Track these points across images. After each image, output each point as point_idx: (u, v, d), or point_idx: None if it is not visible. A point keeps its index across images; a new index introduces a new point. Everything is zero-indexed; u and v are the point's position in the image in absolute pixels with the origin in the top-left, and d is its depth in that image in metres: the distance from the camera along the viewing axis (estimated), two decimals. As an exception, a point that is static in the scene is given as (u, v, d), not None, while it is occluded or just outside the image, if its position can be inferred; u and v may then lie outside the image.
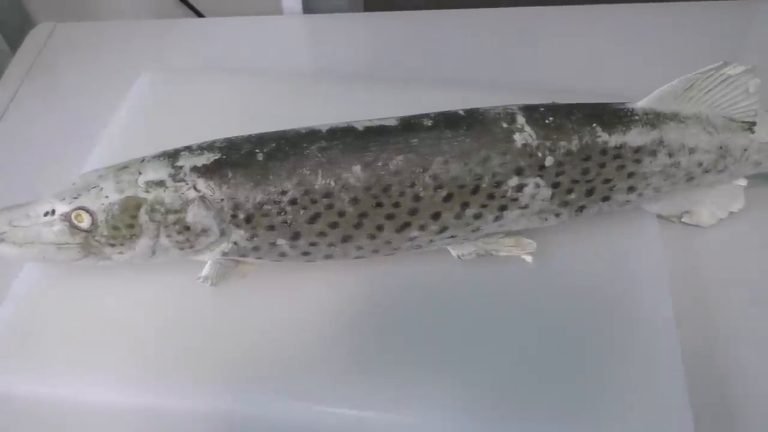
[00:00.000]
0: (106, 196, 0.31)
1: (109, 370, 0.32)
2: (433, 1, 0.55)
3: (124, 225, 0.31)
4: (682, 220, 0.37)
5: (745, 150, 0.34)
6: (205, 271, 0.34)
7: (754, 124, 0.34)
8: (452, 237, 0.34)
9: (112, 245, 0.31)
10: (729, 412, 0.31)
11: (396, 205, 0.32)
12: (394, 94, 0.44)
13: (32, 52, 0.55)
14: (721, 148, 0.33)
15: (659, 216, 0.37)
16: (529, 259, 0.35)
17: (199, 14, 0.59)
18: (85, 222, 0.31)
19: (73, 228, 0.31)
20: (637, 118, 0.33)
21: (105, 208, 0.31)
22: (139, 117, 0.45)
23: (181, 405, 0.32)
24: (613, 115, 0.33)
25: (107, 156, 0.39)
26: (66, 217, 0.31)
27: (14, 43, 0.57)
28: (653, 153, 0.33)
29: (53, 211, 0.31)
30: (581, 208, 0.34)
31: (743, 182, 0.36)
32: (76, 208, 0.31)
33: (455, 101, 0.35)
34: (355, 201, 0.31)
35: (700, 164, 0.34)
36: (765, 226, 0.38)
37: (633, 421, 0.30)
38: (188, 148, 0.32)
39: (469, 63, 0.51)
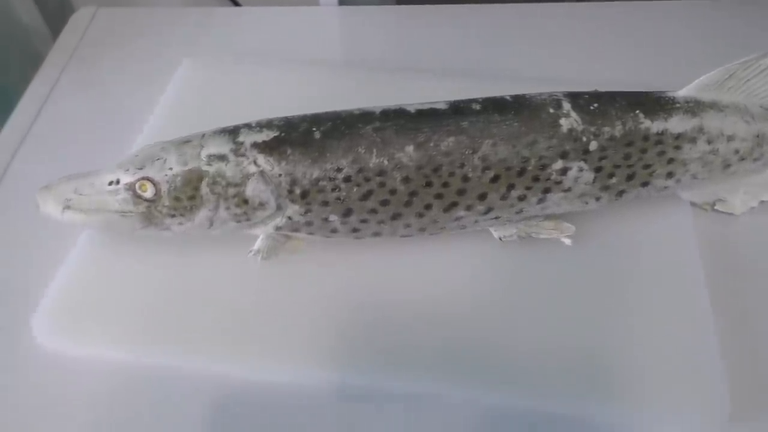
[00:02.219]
0: (170, 168, 0.32)
1: (157, 338, 0.34)
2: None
3: (186, 196, 0.32)
4: (715, 207, 0.39)
5: (781, 139, 0.35)
6: (258, 244, 0.35)
7: (790, 114, 0.35)
8: (496, 218, 0.35)
9: (173, 215, 0.33)
10: (766, 399, 0.32)
11: (445, 185, 0.33)
12: (425, 84, 0.46)
13: (74, 37, 0.56)
14: (758, 136, 0.35)
15: (693, 203, 0.39)
16: (568, 242, 0.36)
17: (236, 3, 0.60)
18: (149, 192, 0.32)
19: (137, 197, 0.32)
20: (678, 105, 0.34)
21: (168, 179, 0.32)
22: (183, 103, 0.47)
23: (225, 371, 0.33)
24: (655, 103, 0.34)
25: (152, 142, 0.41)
26: (130, 187, 0.32)
27: (55, 27, 0.58)
28: (693, 140, 0.34)
29: (118, 181, 0.33)
30: (621, 193, 0.35)
31: (776, 172, 0.38)
32: (141, 178, 0.32)
33: (486, 93, 0.36)
34: (406, 180, 0.33)
35: (737, 152, 0.35)
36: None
37: (670, 407, 0.31)
38: (247, 125, 0.34)
39: (497, 56, 0.52)
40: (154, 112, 0.46)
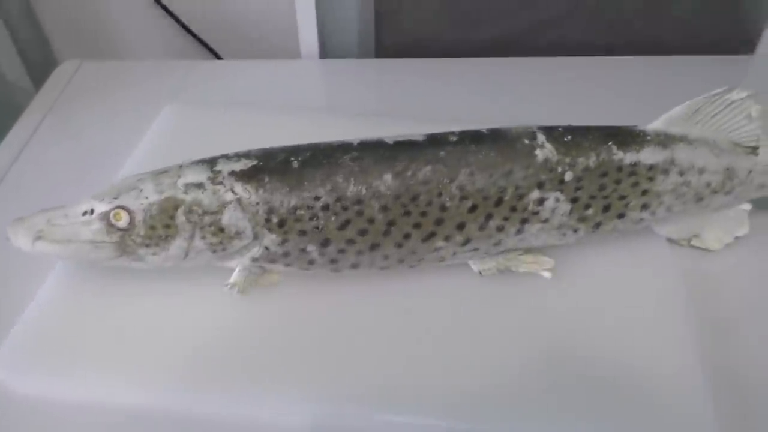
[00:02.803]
0: (146, 197, 0.32)
1: (127, 374, 0.33)
2: (441, 50, 0.59)
3: (162, 225, 0.32)
4: (691, 243, 0.39)
5: (750, 172, 0.36)
6: (234, 277, 0.34)
7: (757, 148, 0.36)
8: (475, 250, 0.35)
9: (147, 245, 0.32)
10: (752, 424, 0.32)
11: (423, 214, 0.33)
12: (404, 130, 0.46)
13: (56, 88, 0.57)
14: (727, 169, 0.36)
15: (669, 239, 0.39)
16: (547, 275, 0.36)
17: (218, 56, 0.62)
18: (123, 221, 0.32)
19: (111, 227, 0.32)
20: (649, 138, 0.35)
21: (144, 208, 0.32)
22: (161, 148, 0.47)
23: (201, 410, 0.32)
24: (627, 135, 0.35)
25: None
26: (104, 216, 0.32)
27: (39, 81, 0.59)
28: (665, 171, 0.35)
29: (92, 211, 0.32)
30: (598, 225, 0.36)
31: (747, 207, 0.38)
32: (116, 207, 0.32)
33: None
34: (384, 209, 0.33)
35: (708, 184, 0.36)
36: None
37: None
38: (225, 156, 0.34)
39: (474, 106, 0.53)
40: (132, 155, 0.46)
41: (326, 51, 0.59)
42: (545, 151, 0.34)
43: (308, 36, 0.57)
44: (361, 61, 0.59)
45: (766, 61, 0.56)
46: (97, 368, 0.33)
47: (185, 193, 0.32)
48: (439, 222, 0.34)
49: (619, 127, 0.36)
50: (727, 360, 0.34)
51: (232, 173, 0.33)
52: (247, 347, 0.34)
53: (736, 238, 0.39)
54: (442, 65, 0.57)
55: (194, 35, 0.61)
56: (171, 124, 0.49)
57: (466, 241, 0.34)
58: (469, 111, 0.52)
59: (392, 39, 0.60)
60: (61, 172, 0.48)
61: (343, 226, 0.33)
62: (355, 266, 0.35)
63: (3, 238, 0.33)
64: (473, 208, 0.33)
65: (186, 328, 0.34)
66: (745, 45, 0.57)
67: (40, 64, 0.65)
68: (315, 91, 0.58)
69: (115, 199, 0.32)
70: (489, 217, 0.34)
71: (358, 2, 0.57)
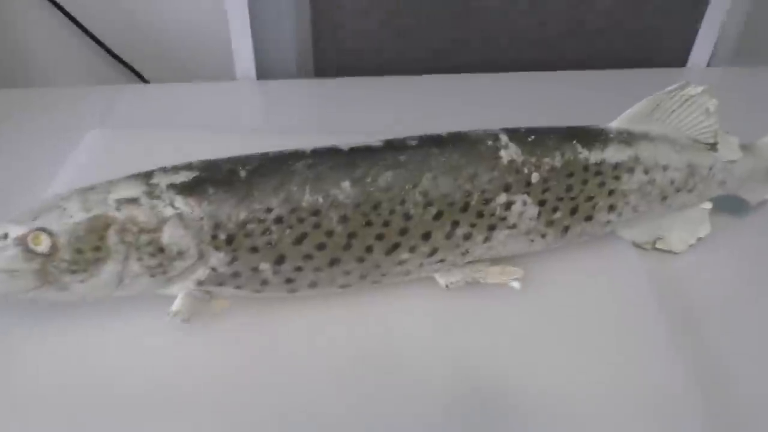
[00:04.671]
0: (70, 216, 0.28)
1: (52, 424, 0.28)
2: (380, 68, 0.57)
3: (90, 247, 0.28)
4: (656, 246, 0.38)
5: (711, 168, 0.36)
6: (176, 305, 0.30)
7: (716, 144, 0.35)
8: (441, 261, 0.33)
9: (74, 272, 0.28)
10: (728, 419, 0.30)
11: (386, 224, 0.31)
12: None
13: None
14: (689, 166, 0.35)
15: (634, 243, 0.38)
16: (516, 285, 0.34)
17: (144, 80, 0.58)
18: (44, 245, 0.27)
19: (29, 252, 0.27)
20: (612, 136, 0.34)
21: (68, 229, 0.28)
22: (88, 172, 0.42)
23: None
24: (590, 134, 0.34)
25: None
26: (21, 241, 0.27)
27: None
28: (631, 170, 0.34)
29: (6, 235, 0.28)
30: (566, 229, 0.34)
31: (708, 206, 0.38)
32: (34, 230, 0.27)
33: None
34: (344, 219, 0.30)
35: (672, 182, 0.35)
36: (729, 251, 0.39)
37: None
38: (162, 169, 0.30)
39: (416, 124, 0.51)
40: (52, 184, 0.41)
41: (263, 72, 0.56)
42: (510, 151, 0.32)
43: (244, 56, 0.54)
44: (300, 82, 0.57)
45: (698, 73, 0.58)
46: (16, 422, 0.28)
47: (117, 209, 0.28)
48: (403, 232, 0.31)
49: (580, 127, 0.34)
50: (700, 359, 0.33)
51: (171, 186, 0.29)
52: (191, 384, 0.30)
53: (699, 239, 0.38)
54: (384, 83, 0.56)
55: (118, 58, 0.57)
56: (97, 149, 0.45)
57: (433, 252, 0.32)
58: (412, 128, 0.50)
59: (331, 57, 0.58)
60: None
61: (299, 240, 0.30)
62: (313, 285, 0.31)
63: None
64: (439, 215, 0.31)
65: (120, 367, 0.30)
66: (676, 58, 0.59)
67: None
68: (252, 113, 0.55)
69: (34, 220, 0.28)
70: (455, 224, 0.32)
71: (294, 20, 0.55)
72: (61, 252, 0.28)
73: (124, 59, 0.57)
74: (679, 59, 0.59)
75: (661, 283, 0.36)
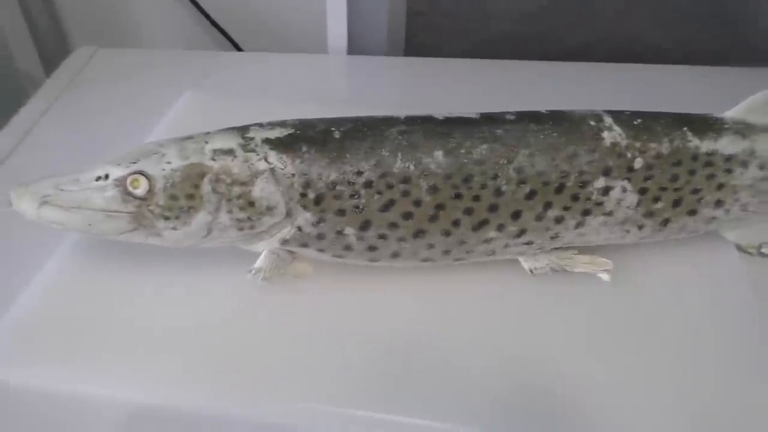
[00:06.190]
0: (168, 162, 0.28)
1: (130, 367, 0.29)
2: (470, 51, 0.56)
3: (184, 195, 0.28)
4: (761, 251, 0.35)
5: (835, 171, 0.33)
6: (259, 262, 0.30)
7: (843, 144, 0.32)
8: (529, 243, 0.31)
9: (167, 218, 0.28)
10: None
11: (476, 198, 0.30)
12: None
13: (69, 74, 0.54)
14: (812, 166, 0.32)
15: (738, 246, 0.35)
16: (606, 277, 0.33)
17: (239, 48, 0.59)
18: (142, 188, 0.28)
19: (127, 194, 0.28)
20: (727, 126, 0.31)
21: (166, 174, 0.28)
22: (182, 131, 0.43)
23: (208, 406, 0.28)
24: (703, 122, 0.31)
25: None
26: (120, 182, 0.28)
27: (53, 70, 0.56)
28: (744, 164, 0.31)
29: (106, 176, 0.29)
30: (666, 222, 0.32)
31: (827, 213, 0.35)
32: (134, 173, 0.28)
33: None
34: (433, 189, 0.29)
35: (790, 181, 0.32)
36: None
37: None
38: (258, 124, 0.30)
39: (499, 108, 0.50)
40: (151, 136, 0.43)
41: (354, 47, 0.56)
42: (613, 134, 0.30)
43: (337, 31, 0.54)
44: (390, 60, 0.56)
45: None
46: (97, 360, 0.29)
47: (213, 159, 0.28)
48: (493, 208, 0.30)
49: (691, 114, 0.32)
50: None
51: (267, 141, 0.29)
52: (264, 345, 0.30)
53: (811, 249, 0.35)
54: (473, 65, 0.54)
55: (217, 26, 0.58)
56: (191, 110, 0.46)
57: (521, 233, 0.31)
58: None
59: (422, 38, 0.57)
60: (67, 156, 0.45)
61: (386, 207, 0.29)
62: (395, 256, 0.31)
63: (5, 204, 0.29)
64: (531, 195, 0.30)
65: (200, 319, 0.31)
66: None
67: (55, 53, 0.62)
68: (341, 86, 0.55)
69: (134, 163, 0.28)
70: (548, 205, 0.30)
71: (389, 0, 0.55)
72: (157, 197, 0.28)
73: (222, 27, 0.58)
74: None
75: (764, 292, 0.34)
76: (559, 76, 0.53)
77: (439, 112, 0.31)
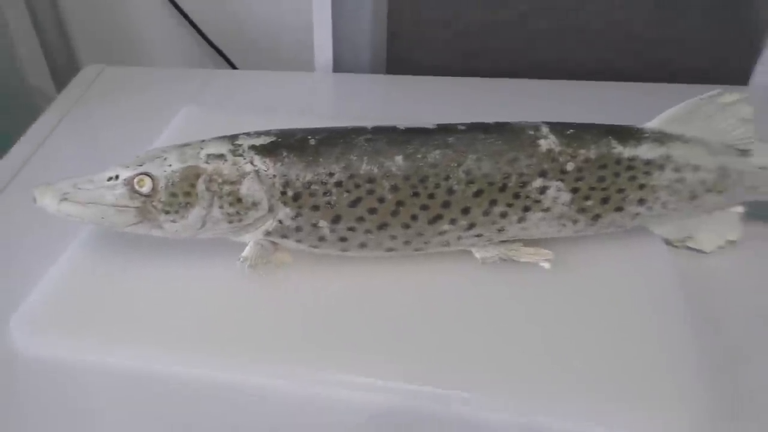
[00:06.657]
0: (169, 165, 0.34)
1: (140, 339, 0.34)
2: (447, 68, 0.61)
3: (182, 192, 0.33)
4: (686, 244, 0.40)
5: (742, 174, 0.38)
6: (246, 251, 0.36)
7: (749, 150, 0.38)
8: (479, 236, 0.37)
9: (167, 212, 0.34)
10: (744, 422, 0.32)
11: (431, 196, 0.35)
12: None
13: (78, 90, 0.59)
14: (720, 168, 0.37)
15: (665, 240, 0.40)
16: (547, 265, 0.38)
17: (233, 66, 0.64)
18: (146, 186, 0.33)
19: (134, 192, 0.33)
20: (647, 135, 0.37)
21: (167, 175, 0.33)
22: (179, 141, 0.49)
23: (208, 377, 0.33)
24: (626, 132, 0.37)
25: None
26: (129, 182, 0.34)
27: (63, 86, 0.61)
28: (661, 167, 0.37)
29: (117, 177, 0.34)
30: (596, 217, 0.37)
31: (739, 209, 0.40)
32: (140, 173, 0.33)
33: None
34: (394, 188, 0.34)
35: (702, 182, 0.37)
36: (762, 258, 0.40)
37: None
38: (246, 133, 0.36)
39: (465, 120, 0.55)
40: (153, 147, 0.48)
41: (339, 65, 0.61)
42: (549, 141, 0.36)
43: (323, 50, 0.60)
44: (372, 77, 0.62)
45: (761, 91, 0.59)
46: (111, 333, 0.34)
47: (207, 162, 0.34)
48: (445, 205, 0.35)
49: (617, 125, 0.38)
50: (721, 359, 0.35)
51: (252, 147, 0.34)
52: (250, 321, 0.35)
53: (730, 242, 0.41)
54: (452, 83, 0.60)
55: (214, 46, 0.64)
56: (189, 123, 0.51)
57: (471, 226, 0.36)
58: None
59: (403, 57, 0.63)
60: (77, 164, 0.50)
61: (354, 203, 0.34)
62: (363, 246, 0.36)
63: (29, 201, 0.34)
64: (479, 193, 0.35)
65: (200, 299, 0.36)
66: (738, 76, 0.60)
67: (65, 70, 0.68)
68: (327, 102, 0.60)
69: (140, 166, 0.34)
70: (493, 202, 0.35)
71: (372, 21, 0.60)
72: (159, 194, 0.33)
73: (218, 47, 0.64)
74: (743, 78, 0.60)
75: (688, 279, 0.39)
76: (521, 91, 0.58)
77: (410, 123, 0.37)
